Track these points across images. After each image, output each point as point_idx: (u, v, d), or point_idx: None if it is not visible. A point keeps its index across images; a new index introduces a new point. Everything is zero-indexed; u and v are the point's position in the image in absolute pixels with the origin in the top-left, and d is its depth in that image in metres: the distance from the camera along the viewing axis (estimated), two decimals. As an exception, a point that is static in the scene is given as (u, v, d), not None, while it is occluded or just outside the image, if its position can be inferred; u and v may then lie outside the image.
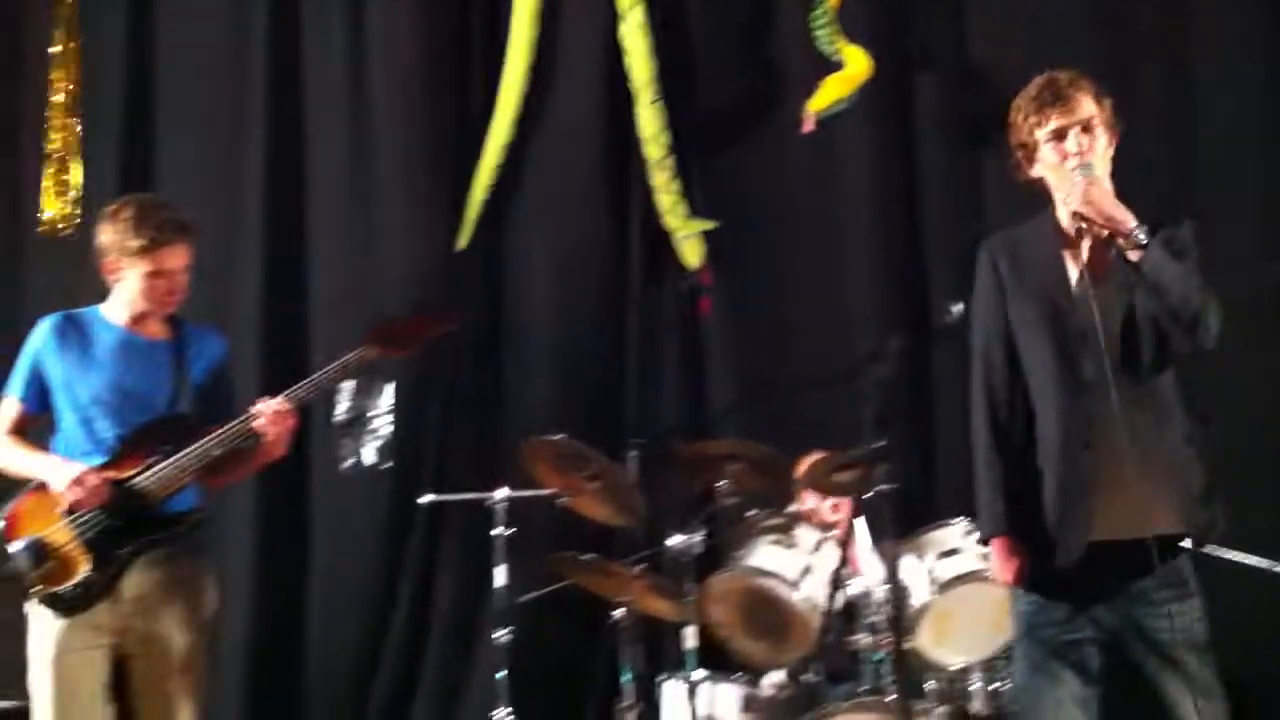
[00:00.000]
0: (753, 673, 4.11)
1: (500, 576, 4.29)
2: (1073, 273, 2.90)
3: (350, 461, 4.88)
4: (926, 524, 3.96)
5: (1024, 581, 2.94)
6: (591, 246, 5.16)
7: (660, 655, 4.63)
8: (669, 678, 4.18)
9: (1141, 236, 2.74)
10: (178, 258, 3.51)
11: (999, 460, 2.94)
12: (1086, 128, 2.86)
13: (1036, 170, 2.94)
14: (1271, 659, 4.13)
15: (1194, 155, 4.61)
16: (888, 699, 3.73)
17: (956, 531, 3.94)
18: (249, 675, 4.82)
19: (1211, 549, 3.00)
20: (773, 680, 4.01)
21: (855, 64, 4.88)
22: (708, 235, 5.07)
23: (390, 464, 4.81)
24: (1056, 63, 2.94)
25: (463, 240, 5.13)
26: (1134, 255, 2.75)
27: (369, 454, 4.88)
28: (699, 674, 3.96)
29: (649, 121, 5.06)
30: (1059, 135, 2.87)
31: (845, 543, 4.08)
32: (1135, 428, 2.78)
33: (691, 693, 3.92)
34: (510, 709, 4.18)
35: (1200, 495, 2.87)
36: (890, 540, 3.25)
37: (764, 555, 4.00)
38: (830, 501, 4.36)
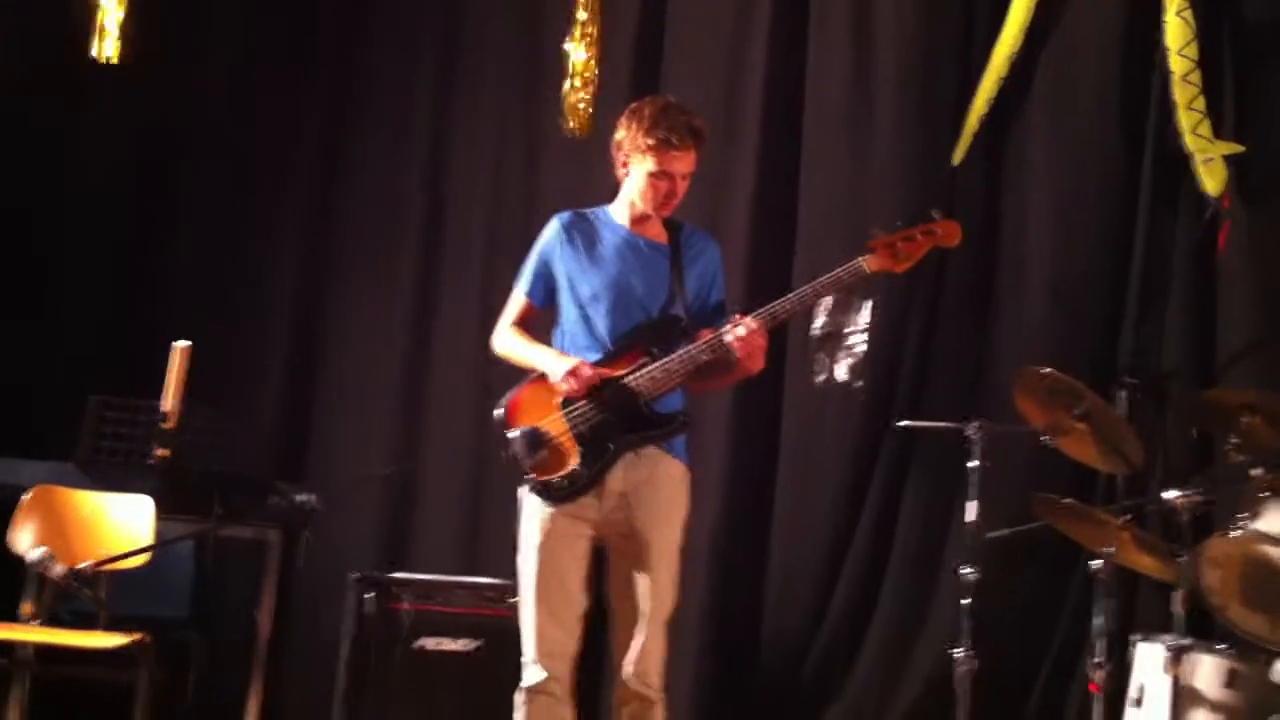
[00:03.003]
0: (1244, 647, 3.76)
1: (971, 511, 4.13)
2: None
3: (823, 377, 4.89)
4: None
5: None
6: (1099, 167, 4.79)
7: (1134, 614, 4.37)
8: (1146, 639, 3.91)
9: None
10: (684, 163, 3.57)
11: None
12: None
13: None
14: None
15: None
16: None
17: None
18: (713, 573, 4.91)
19: None
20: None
21: None
22: (1234, 160, 4.58)
23: (862, 383, 4.81)
24: None
25: (958, 155, 4.92)
26: None
27: (842, 371, 4.87)
28: (1183, 640, 3.65)
29: (1176, 32, 4.61)
30: None
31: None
32: None
33: (1175, 659, 3.63)
34: (970, 648, 4.04)
35: None
36: None
37: (1274, 520, 3.63)
38: None
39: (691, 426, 3.63)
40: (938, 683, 4.36)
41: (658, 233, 3.67)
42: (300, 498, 3.69)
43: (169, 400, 4.24)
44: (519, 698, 3.50)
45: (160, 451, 4.22)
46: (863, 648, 4.77)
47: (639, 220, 3.66)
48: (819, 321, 4.86)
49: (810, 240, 5.04)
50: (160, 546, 4.01)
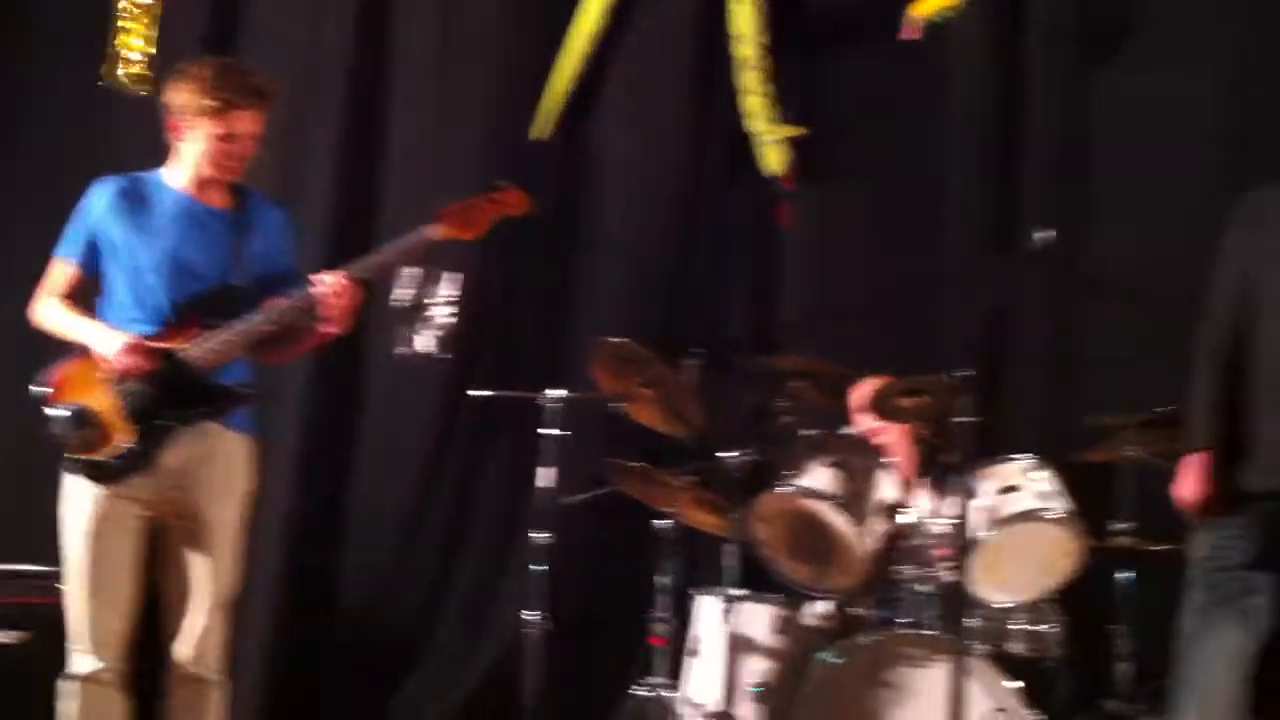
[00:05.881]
0: (791, 595, 4.03)
1: (546, 477, 4.23)
2: None
3: (405, 349, 4.86)
4: (988, 457, 3.82)
5: (1206, 508, 2.85)
6: (673, 145, 5.01)
7: (699, 569, 4.59)
8: (704, 592, 4.13)
9: None
10: (250, 124, 3.45)
11: (1219, 374, 2.87)
12: None
13: None
14: None
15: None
16: (927, 633, 3.63)
17: (1018, 468, 3.81)
18: (288, 552, 4.83)
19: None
20: (819, 609, 3.92)
21: (966, -31, 4.64)
22: (794, 142, 4.88)
23: (447, 355, 4.82)
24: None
25: (539, 128, 5.00)
26: None
27: (425, 343, 4.85)
28: (736, 591, 3.87)
29: (745, 19, 4.87)
30: None
31: (901, 471, 3.97)
32: None
33: (727, 609, 3.84)
34: (544, 612, 4.13)
35: None
36: (962, 475, 3.03)
37: (817, 477, 3.88)
38: (881, 425, 4.21)
39: (259, 398, 3.53)
40: (513, 646, 4.45)
41: (220, 199, 3.53)
42: None
43: None
44: (67, 687, 3.33)
45: None
46: (441, 616, 4.81)
47: (200, 185, 3.51)
48: (402, 292, 4.82)
49: (393, 210, 5.00)
50: None
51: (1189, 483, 2.88)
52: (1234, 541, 2.81)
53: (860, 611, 3.86)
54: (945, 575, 3.76)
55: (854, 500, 3.85)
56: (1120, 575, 3.88)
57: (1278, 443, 2.77)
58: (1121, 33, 4.64)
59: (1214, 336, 2.91)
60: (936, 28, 4.74)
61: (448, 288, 4.78)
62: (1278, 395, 2.79)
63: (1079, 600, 3.86)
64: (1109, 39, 4.65)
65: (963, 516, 3.53)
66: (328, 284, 3.39)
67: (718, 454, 4.03)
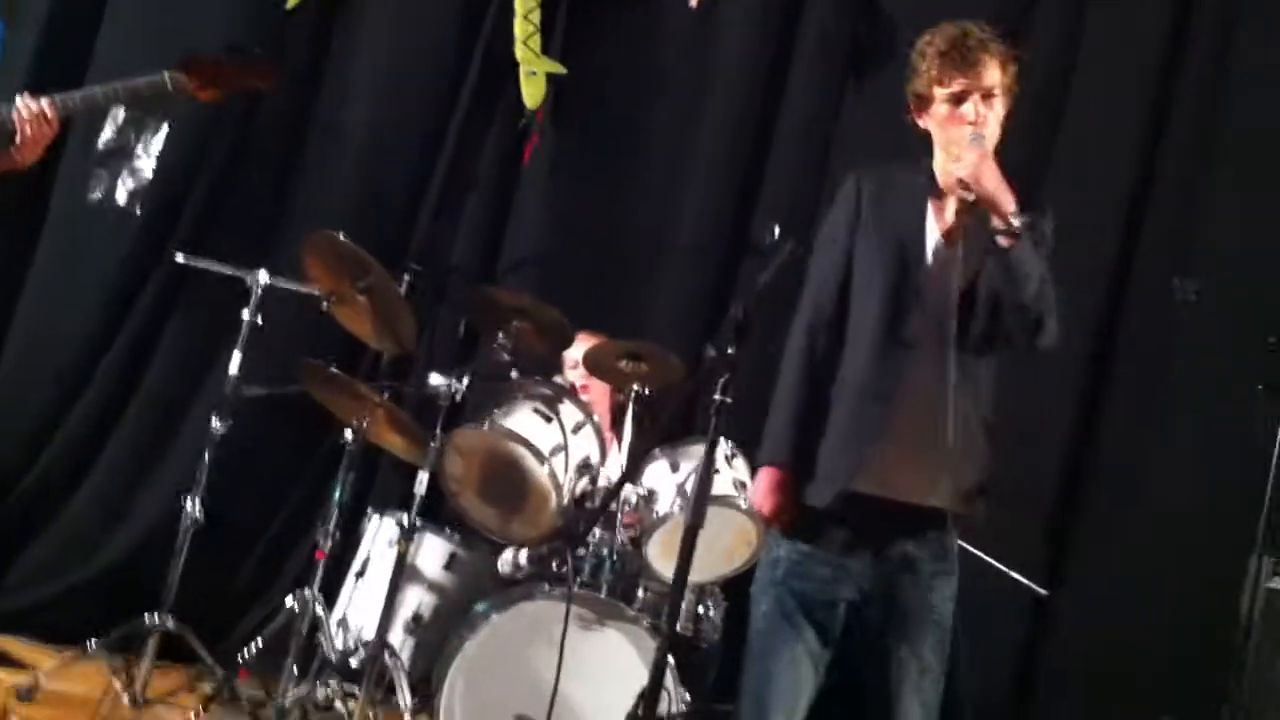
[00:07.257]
0: (468, 534, 3.91)
1: (234, 363, 3.92)
2: (930, 231, 2.74)
3: (99, 195, 4.41)
4: (692, 436, 3.84)
5: (783, 521, 2.77)
6: (431, 50, 4.76)
7: (374, 489, 4.42)
8: (380, 514, 3.95)
9: (1016, 223, 2.58)
10: None
11: (804, 390, 2.75)
12: (987, 95, 2.69)
13: (926, 122, 2.76)
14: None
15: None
16: (599, 597, 3.59)
17: (720, 452, 3.82)
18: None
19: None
20: (513, 559, 3.81)
21: (758, -46, 4.64)
22: (554, 79, 4.74)
23: (140, 210, 4.40)
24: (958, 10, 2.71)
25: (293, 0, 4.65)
26: (1004, 241, 2.59)
27: (122, 193, 4.41)
28: (416, 521, 3.71)
29: (528, -62, 4.68)
30: (958, 99, 2.69)
31: (603, 432, 3.92)
32: (944, 398, 2.67)
33: (404, 537, 3.67)
34: (200, 500, 3.83)
35: (976, 486, 2.77)
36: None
37: (521, 421, 3.76)
38: (590, 382, 4.16)
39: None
40: (160, 531, 4.13)
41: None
42: None
43: None
44: None
45: None
46: (83, 486, 4.40)
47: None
48: (106, 135, 4.37)
49: (113, 45, 4.50)
50: None
51: (764, 497, 2.76)
52: (812, 553, 2.73)
53: (540, 566, 3.78)
54: (628, 543, 3.74)
55: (554, 452, 3.75)
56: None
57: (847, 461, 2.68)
58: (885, 53, 4.75)
59: (808, 348, 2.74)
60: (717, 2, 4.73)
61: (157, 138, 4.39)
62: (844, 422, 2.70)
63: (743, 590, 3.92)
64: (872, 57, 4.76)
65: (701, 489, 3.30)
66: (31, 108, 3.01)
67: (425, 377, 3.83)
